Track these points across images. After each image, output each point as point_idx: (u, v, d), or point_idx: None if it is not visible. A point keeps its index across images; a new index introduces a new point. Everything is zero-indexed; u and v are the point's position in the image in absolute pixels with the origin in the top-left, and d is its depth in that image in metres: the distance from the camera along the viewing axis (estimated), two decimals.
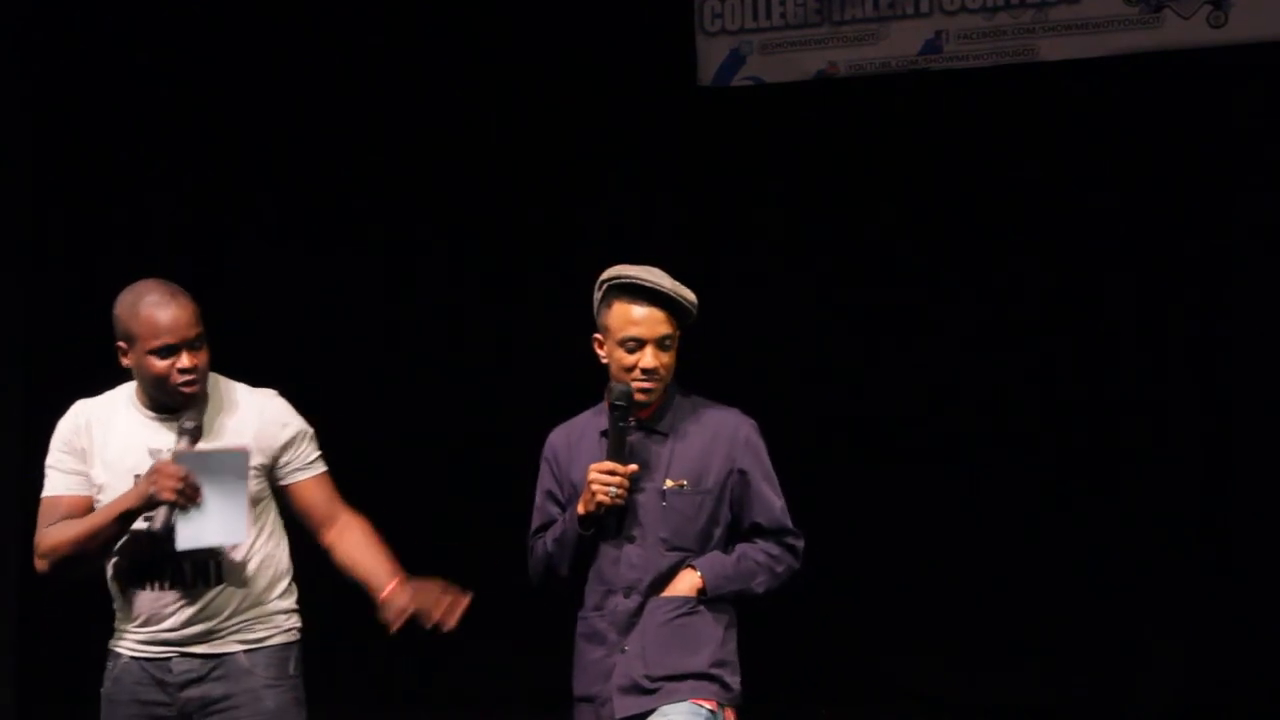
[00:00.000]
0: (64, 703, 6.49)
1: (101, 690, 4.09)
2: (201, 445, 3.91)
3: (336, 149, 7.30)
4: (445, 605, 3.90)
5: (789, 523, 4.06)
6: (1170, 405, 6.50)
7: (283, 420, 4.05)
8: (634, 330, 3.96)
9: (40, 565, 3.98)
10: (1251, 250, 6.42)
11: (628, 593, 3.97)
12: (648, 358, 3.95)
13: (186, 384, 3.90)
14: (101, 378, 4.11)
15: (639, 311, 3.97)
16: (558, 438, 4.13)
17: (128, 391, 4.04)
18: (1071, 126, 6.59)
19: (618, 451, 3.95)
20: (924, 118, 6.76)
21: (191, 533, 3.83)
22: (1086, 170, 6.59)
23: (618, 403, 3.95)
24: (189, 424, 3.90)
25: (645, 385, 3.96)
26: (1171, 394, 6.49)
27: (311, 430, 4.09)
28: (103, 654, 4.12)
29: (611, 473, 3.92)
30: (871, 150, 6.81)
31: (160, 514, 3.80)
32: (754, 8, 6.91)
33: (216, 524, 3.85)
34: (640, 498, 3.97)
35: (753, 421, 4.09)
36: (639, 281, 3.97)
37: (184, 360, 3.88)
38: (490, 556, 6.92)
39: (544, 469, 4.14)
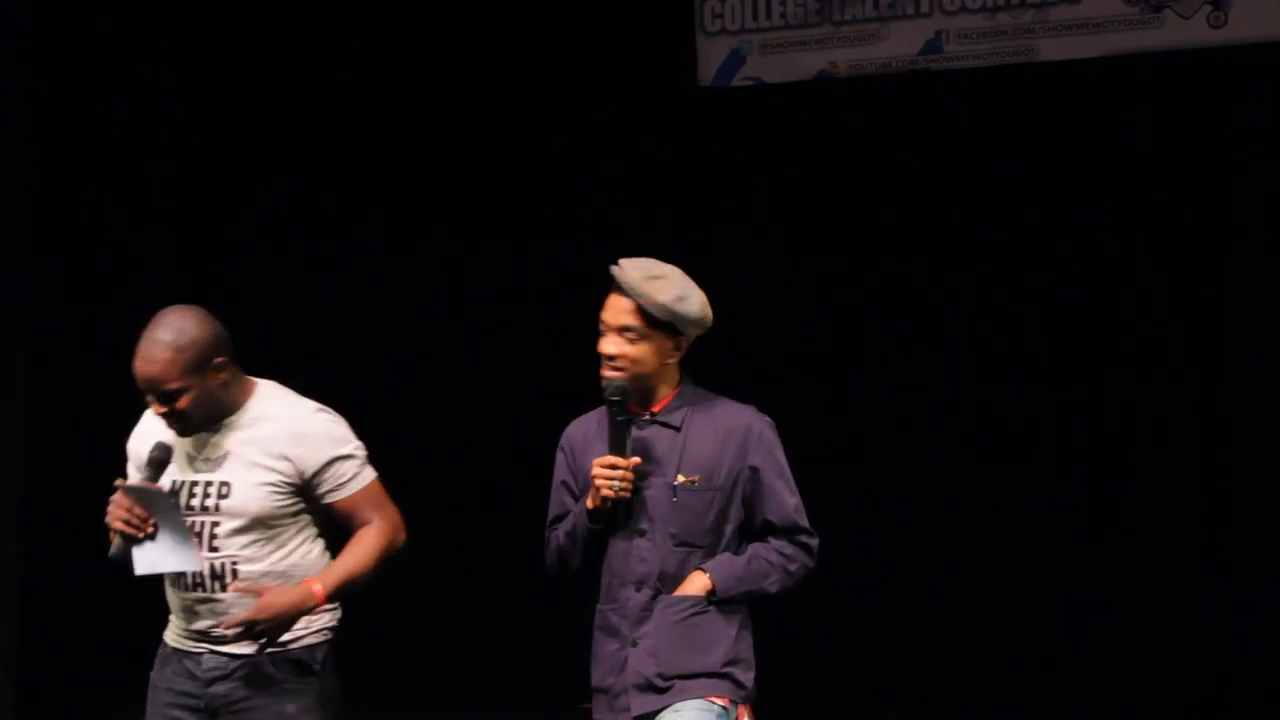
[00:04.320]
0: (64, 702, 6.50)
1: (150, 673, 4.14)
2: (159, 477, 3.95)
3: (337, 146, 7.30)
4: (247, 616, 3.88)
5: (803, 521, 4.06)
6: (1170, 405, 6.50)
7: (316, 445, 4.00)
8: (603, 315, 4.00)
9: None
10: (1252, 250, 6.42)
11: (638, 586, 4.00)
12: (605, 343, 3.98)
13: (169, 424, 3.94)
14: (102, 379, 4.12)
15: (610, 299, 4.01)
16: (575, 430, 4.16)
17: None
18: (1071, 126, 6.59)
19: (619, 446, 3.97)
20: (924, 118, 6.76)
21: (147, 559, 3.93)
22: (1086, 170, 6.59)
23: (613, 398, 3.98)
24: (154, 453, 3.95)
25: (605, 372, 3.99)
26: (1171, 394, 6.49)
27: (351, 449, 4.05)
28: (103, 652, 4.13)
29: (613, 466, 3.95)
30: (872, 150, 6.81)
31: (116, 541, 3.93)
32: (754, 8, 6.91)
33: (170, 553, 3.93)
34: (650, 492, 4.00)
35: (768, 419, 4.11)
36: (613, 269, 4.00)
37: (155, 408, 3.93)
38: (491, 557, 6.96)
39: (560, 460, 4.17)
